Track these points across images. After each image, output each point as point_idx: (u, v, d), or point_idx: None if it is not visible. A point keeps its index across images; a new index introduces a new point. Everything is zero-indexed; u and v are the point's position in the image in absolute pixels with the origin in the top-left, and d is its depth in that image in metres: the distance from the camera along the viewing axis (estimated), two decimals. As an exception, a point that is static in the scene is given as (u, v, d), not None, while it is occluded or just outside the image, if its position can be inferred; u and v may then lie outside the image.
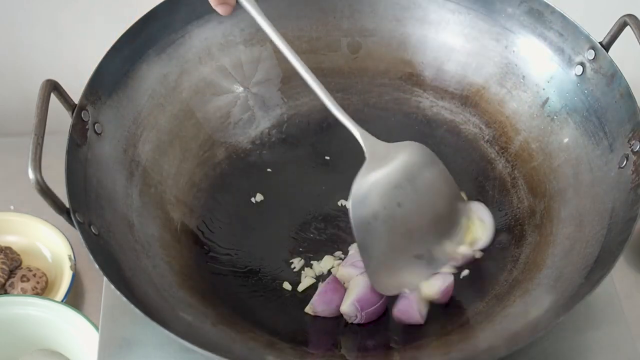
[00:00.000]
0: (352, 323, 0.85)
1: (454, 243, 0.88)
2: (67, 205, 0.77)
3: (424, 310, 0.84)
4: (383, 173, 0.84)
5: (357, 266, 0.86)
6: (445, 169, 0.87)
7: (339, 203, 0.95)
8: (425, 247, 0.86)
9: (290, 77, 1.01)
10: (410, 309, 0.84)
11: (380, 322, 0.86)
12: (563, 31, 0.92)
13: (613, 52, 0.88)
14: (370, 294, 0.84)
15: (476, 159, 0.98)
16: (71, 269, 1.18)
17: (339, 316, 0.86)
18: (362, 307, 0.84)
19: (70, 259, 1.19)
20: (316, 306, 0.85)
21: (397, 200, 0.84)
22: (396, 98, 1.02)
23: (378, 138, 0.99)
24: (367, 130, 1.00)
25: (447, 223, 0.88)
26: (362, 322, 0.84)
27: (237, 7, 0.97)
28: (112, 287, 0.74)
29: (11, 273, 1.19)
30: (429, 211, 0.86)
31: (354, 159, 0.99)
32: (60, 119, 0.89)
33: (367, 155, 0.85)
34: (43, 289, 1.18)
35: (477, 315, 0.84)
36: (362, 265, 0.85)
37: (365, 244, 0.83)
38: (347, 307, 0.84)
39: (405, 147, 0.86)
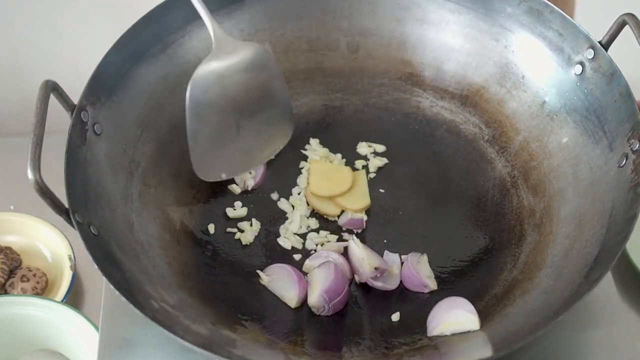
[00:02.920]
0: (319, 315, 0.86)
1: (275, 143, 0.91)
2: (67, 205, 0.77)
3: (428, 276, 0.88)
4: (226, 64, 0.86)
5: (313, 258, 0.89)
6: (281, 75, 0.90)
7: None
8: (251, 141, 0.89)
9: (289, 77, 1.01)
10: (413, 276, 0.87)
11: (382, 322, 0.86)
12: (562, 30, 0.92)
13: (612, 51, 0.88)
14: (335, 284, 0.85)
15: (476, 158, 0.98)
16: (71, 269, 1.18)
17: (339, 315, 0.86)
18: (330, 298, 0.85)
19: (70, 259, 1.19)
20: (301, 296, 0.88)
21: (232, 93, 0.86)
22: (396, 98, 1.02)
23: (378, 137, 1.00)
24: (367, 129, 1.01)
25: (274, 123, 0.90)
26: (330, 313, 0.85)
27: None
28: (112, 287, 0.74)
29: (11, 273, 1.19)
30: (259, 108, 0.89)
31: (351, 159, 0.99)
32: (60, 119, 0.89)
33: (214, 45, 0.86)
34: (43, 289, 1.18)
35: (477, 314, 0.84)
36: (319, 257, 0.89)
37: (195, 128, 0.85)
38: (316, 299, 0.85)
39: (250, 46, 0.88)
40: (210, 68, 0.85)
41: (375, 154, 0.99)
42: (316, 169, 0.96)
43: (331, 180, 0.95)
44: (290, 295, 0.87)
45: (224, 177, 0.88)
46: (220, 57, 0.86)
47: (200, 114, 0.85)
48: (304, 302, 0.87)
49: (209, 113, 0.85)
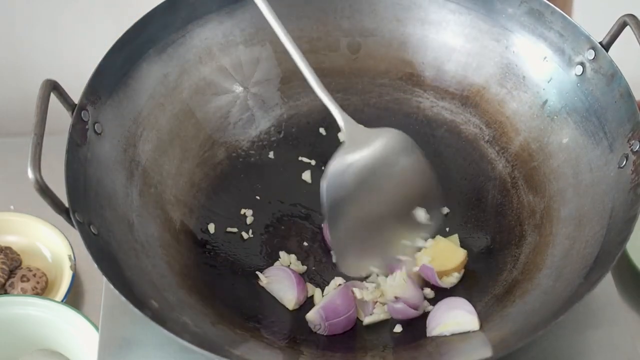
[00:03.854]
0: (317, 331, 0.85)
1: (424, 232, 0.90)
2: (67, 204, 0.77)
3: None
4: (360, 156, 0.86)
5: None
6: (422, 158, 0.89)
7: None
8: (393, 232, 0.88)
9: (290, 77, 1.01)
10: (404, 309, 0.85)
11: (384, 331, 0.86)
12: (563, 31, 0.92)
13: (613, 52, 0.88)
14: (337, 304, 0.84)
15: (476, 159, 0.98)
16: (71, 269, 1.18)
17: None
18: (327, 317, 0.83)
19: (70, 259, 1.19)
20: (299, 299, 0.87)
21: (369, 184, 0.86)
22: (396, 98, 1.02)
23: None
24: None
25: (421, 206, 0.89)
26: (325, 333, 0.84)
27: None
28: (112, 287, 0.74)
29: (11, 273, 1.19)
30: (400, 198, 0.88)
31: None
32: (60, 119, 0.89)
33: (345, 137, 0.86)
34: (43, 289, 1.18)
35: (477, 315, 0.84)
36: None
37: (335, 225, 0.85)
38: (312, 314, 0.84)
39: (384, 132, 0.87)
40: (344, 162, 0.85)
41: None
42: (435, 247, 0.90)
43: (441, 258, 0.89)
44: (288, 297, 0.87)
45: (375, 271, 0.87)
46: (353, 148, 0.85)
47: (339, 210, 0.84)
48: (302, 305, 0.87)
49: (348, 208, 0.85)
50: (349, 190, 0.85)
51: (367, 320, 0.85)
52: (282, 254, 0.91)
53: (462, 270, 0.89)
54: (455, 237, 0.92)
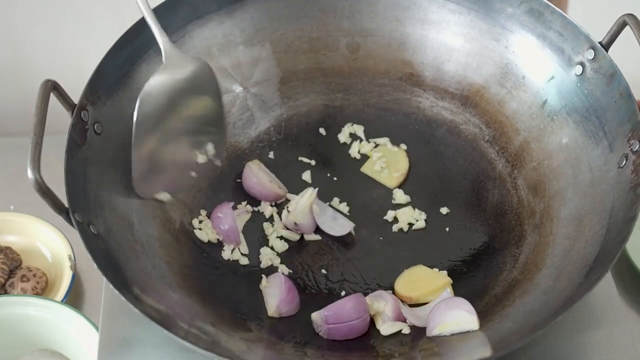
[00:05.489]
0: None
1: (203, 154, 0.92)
2: (67, 205, 0.77)
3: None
4: (175, 78, 0.88)
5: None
6: (219, 90, 0.92)
7: (334, 202, 0.95)
8: (187, 157, 0.91)
9: (289, 77, 1.01)
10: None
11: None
12: (563, 31, 0.92)
13: (613, 51, 0.88)
14: (344, 309, 0.83)
15: (476, 159, 0.98)
16: (71, 269, 1.18)
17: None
18: (327, 319, 0.83)
19: (70, 259, 1.19)
20: (281, 308, 0.86)
21: (175, 107, 0.88)
22: (396, 98, 1.02)
23: (378, 137, 1.00)
24: (368, 129, 1.01)
25: (209, 140, 0.93)
26: (325, 336, 0.84)
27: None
28: (112, 286, 0.74)
29: (11, 273, 1.19)
30: (197, 127, 0.91)
31: (351, 159, 1.00)
32: (60, 119, 0.89)
33: (164, 59, 0.88)
34: (43, 289, 1.18)
35: (477, 314, 0.84)
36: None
37: (141, 143, 0.86)
38: (316, 314, 0.84)
39: (195, 60, 0.90)
40: (158, 80, 0.87)
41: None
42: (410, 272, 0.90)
43: (420, 283, 0.89)
44: (270, 303, 0.86)
45: (161, 196, 0.89)
46: (169, 69, 0.88)
47: (146, 128, 0.86)
48: (286, 316, 0.86)
49: (155, 127, 0.86)
50: (158, 106, 0.87)
51: (385, 331, 0.85)
52: (263, 249, 0.91)
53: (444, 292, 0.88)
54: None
